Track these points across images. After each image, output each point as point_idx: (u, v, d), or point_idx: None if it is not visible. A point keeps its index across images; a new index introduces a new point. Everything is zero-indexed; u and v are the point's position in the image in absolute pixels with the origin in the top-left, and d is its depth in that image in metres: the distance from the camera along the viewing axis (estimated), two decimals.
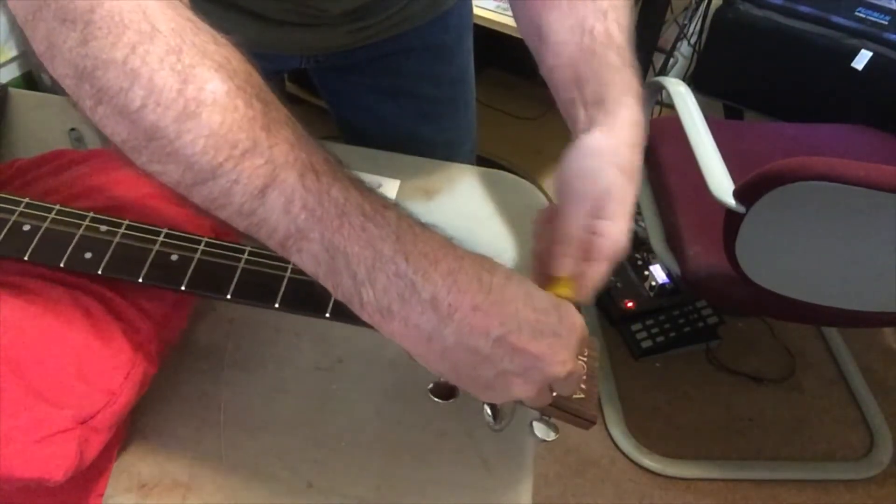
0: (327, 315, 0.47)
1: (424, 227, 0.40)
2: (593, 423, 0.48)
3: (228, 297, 0.48)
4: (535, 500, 0.54)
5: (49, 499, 0.47)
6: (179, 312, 0.55)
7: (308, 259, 0.38)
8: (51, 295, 0.49)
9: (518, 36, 0.62)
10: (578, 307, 0.47)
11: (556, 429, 0.48)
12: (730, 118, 1.79)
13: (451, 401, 0.46)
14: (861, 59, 1.47)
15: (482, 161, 0.89)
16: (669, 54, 1.81)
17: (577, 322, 0.42)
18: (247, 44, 0.39)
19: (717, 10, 1.60)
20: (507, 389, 0.40)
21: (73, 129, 0.74)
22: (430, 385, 0.46)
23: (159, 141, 0.36)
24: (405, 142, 0.82)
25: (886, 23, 1.47)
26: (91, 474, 0.49)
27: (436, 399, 0.46)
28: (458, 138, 0.94)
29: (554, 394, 0.45)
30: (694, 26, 1.71)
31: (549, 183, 1.74)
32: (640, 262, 1.64)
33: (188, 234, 0.51)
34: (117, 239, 0.50)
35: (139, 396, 0.50)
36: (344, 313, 0.42)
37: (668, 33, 1.79)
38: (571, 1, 0.55)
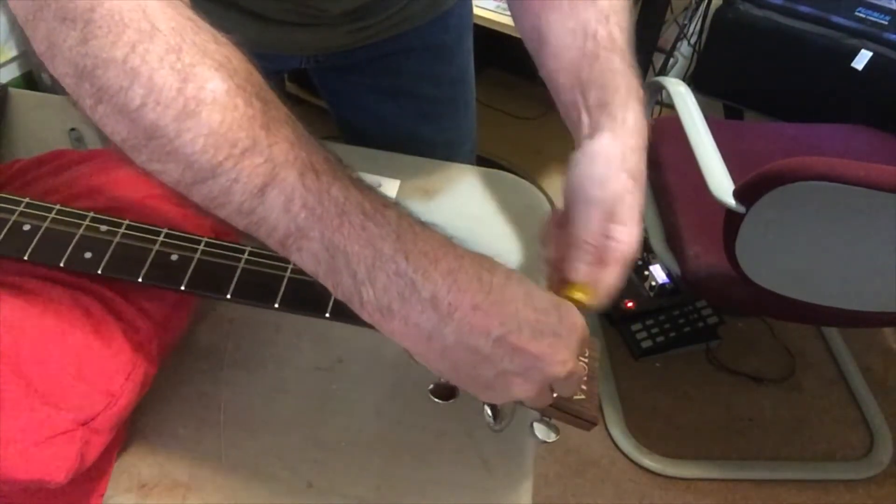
0: (327, 315, 0.47)
1: (424, 226, 0.40)
2: (594, 424, 0.48)
3: (228, 297, 0.48)
4: (535, 500, 0.54)
5: (50, 500, 0.47)
6: (180, 313, 0.55)
7: (308, 258, 0.38)
8: (51, 295, 0.49)
9: (518, 36, 0.62)
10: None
11: (556, 430, 0.48)
12: (730, 118, 1.79)
13: (451, 401, 0.46)
14: (861, 59, 1.47)
15: (482, 161, 0.89)
16: (669, 54, 1.81)
17: (577, 322, 0.42)
18: (247, 44, 0.39)
19: (717, 10, 1.60)
20: (507, 389, 0.40)
21: (73, 129, 0.74)
22: (431, 386, 0.46)
23: (159, 140, 0.36)
24: (405, 142, 0.82)
25: (886, 23, 1.47)
26: (92, 475, 0.49)
27: (436, 400, 0.46)
28: (458, 138, 0.94)
29: (554, 395, 0.44)
30: (694, 26, 1.71)
31: (549, 183, 1.74)
32: (640, 262, 1.64)
33: (188, 233, 0.51)
34: (117, 239, 0.50)
35: (140, 397, 0.50)
36: (344, 313, 0.42)
37: (668, 33, 1.79)
38: (572, 4, 0.55)
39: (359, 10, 0.74)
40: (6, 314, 0.47)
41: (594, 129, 0.53)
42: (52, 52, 0.37)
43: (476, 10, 1.14)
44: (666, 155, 1.35)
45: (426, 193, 0.75)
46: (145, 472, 0.52)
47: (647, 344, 1.59)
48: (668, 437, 1.50)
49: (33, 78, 1.65)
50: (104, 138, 0.38)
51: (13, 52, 1.60)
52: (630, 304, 1.60)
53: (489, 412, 0.48)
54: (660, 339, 1.60)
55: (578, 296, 0.48)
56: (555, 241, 0.52)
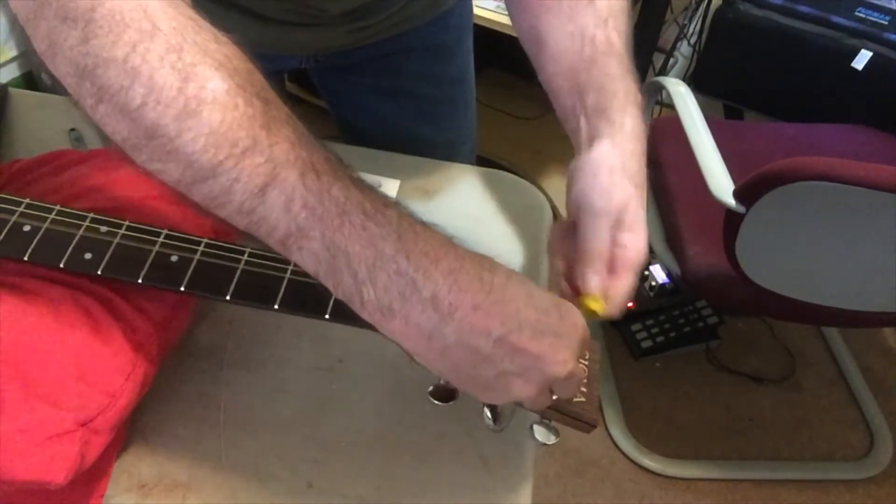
0: (327, 316, 0.47)
1: (425, 225, 0.40)
2: (594, 426, 0.48)
3: (228, 298, 0.48)
4: (535, 500, 0.54)
5: (50, 500, 0.47)
6: (180, 314, 0.55)
7: (308, 258, 0.38)
8: (51, 295, 0.49)
9: None
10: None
11: (556, 432, 0.48)
12: (730, 118, 1.79)
13: (450, 403, 0.46)
14: (861, 59, 1.47)
15: (482, 161, 0.89)
16: (669, 54, 1.81)
17: (578, 322, 0.42)
18: (247, 44, 0.39)
19: (717, 10, 1.60)
20: (508, 389, 0.40)
21: (73, 129, 0.74)
22: (430, 388, 0.46)
23: (159, 139, 0.36)
24: (405, 142, 0.82)
25: (886, 23, 1.47)
26: (92, 475, 0.49)
27: (435, 402, 0.46)
28: (458, 138, 0.94)
29: (554, 397, 0.44)
30: (694, 26, 1.71)
31: (549, 183, 1.74)
32: None
33: (188, 235, 0.51)
34: (117, 240, 0.50)
35: (140, 397, 0.50)
36: (343, 315, 0.42)
37: (668, 33, 1.79)
38: (571, 7, 0.55)
39: (359, 9, 0.74)
40: (6, 314, 0.47)
41: (593, 135, 0.53)
42: (52, 51, 0.37)
43: (476, 10, 1.14)
44: (666, 155, 1.35)
45: (426, 193, 0.75)
46: (145, 472, 0.52)
47: (647, 344, 1.59)
48: (668, 437, 1.50)
49: (33, 78, 1.65)
50: (104, 138, 0.38)
51: (13, 52, 1.59)
52: (630, 304, 1.59)
53: (489, 414, 0.48)
54: (660, 339, 1.60)
55: (592, 305, 0.48)
56: (562, 252, 0.52)
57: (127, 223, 0.51)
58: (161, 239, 0.50)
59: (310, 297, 0.47)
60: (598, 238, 0.49)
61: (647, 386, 1.58)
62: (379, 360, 0.59)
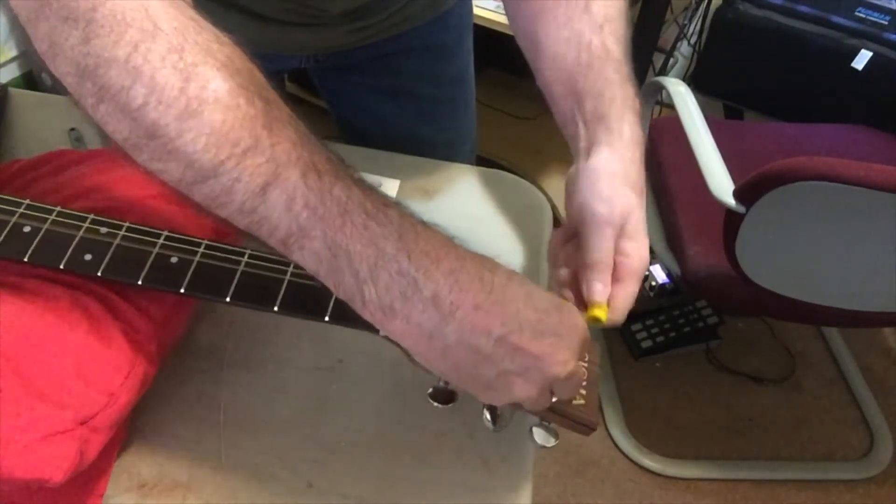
0: (326, 319, 0.47)
1: (426, 225, 0.40)
2: (593, 429, 0.48)
3: (228, 300, 0.48)
4: (535, 500, 0.54)
5: (49, 499, 0.47)
6: (180, 313, 0.55)
7: (309, 257, 0.38)
8: (50, 295, 0.49)
9: None
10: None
11: (555, 434, 0.48)
12: (730, 118, 1.79)
13: (449, 406, 0.46)
14: (861, 59, 1.47)
15: (482, 161, 0.89)
16: (669, 54, 1.81)
17: (578, 323, 0.42)
18: (247, 44, 0.39)
19: (717, 10, 1.60)
20: (508, 389, 0.40)
21: (73, 129, 0.74)
22: (430, 389, 0.46)
23: (160, 139, 0.36)
24: (405, 142, 0.82)
25: (886, 23, 1.47)
26: (91, 474, 0.49)
27: (435, 404, 0.46)
28: (458, 138, 0.94)
29: (554, 399, 0.44)
30: (694, 26, 1.71)
31: (549, 183, 1.74)
32: None
33: (188, 236, 0.51)
34: (117, 241, 0.50)
35: (139, 397, 0.50)
36: (343, 317, 0.42)
37: (668, 33, 1.79)
38: (567, 13, 0.55)
39: (359, 9, 0.74)
40: (6, 313, 0.47)
41: (591, 142, 0.53)
42: (53, 51, 0.37)
43: (476, 10, 1.14)
44: (666, 155, 1.35)
45: (426, 193, 0.75)
46: (145, 472, 0.52)
47: (647, 344, 1.59)
48: (668, 437, 1.50)
49: (33, 78, 1.65)
50: (104, 138, 0.38)
51: (13, 52, 1.59)
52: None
53: (488, 416, 0.48)
54: (660, 339, 1.60)
55: (597, 313, 0.49)
56: (564, 261, 0.52)
57: (127, 224, 0.51)
58: (161, 240, 0.50)
59: (309, 300, 0.47)
60: (603, 248, 0.50)
61: (647, 386, 1.58)
62: (379, 360, 0.59)
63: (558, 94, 0.56)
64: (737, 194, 0.98)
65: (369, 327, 0.42)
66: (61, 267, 0.48)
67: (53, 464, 0.44)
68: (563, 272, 0.53)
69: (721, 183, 1.04)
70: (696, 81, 1.69)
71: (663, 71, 1.81)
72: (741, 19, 1.56)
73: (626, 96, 0.53)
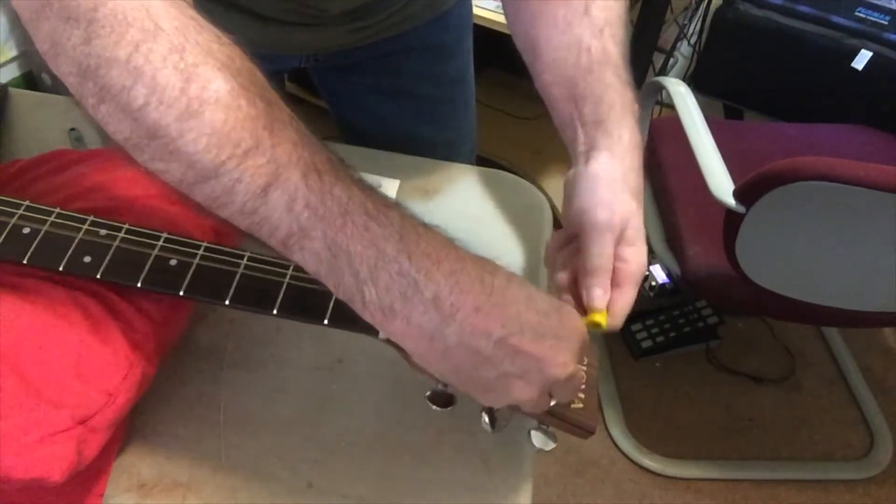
0: (325, 322, 0.47)
1: (427, 227, 0.40)
2: (592, 433, 0.48)
3: (227, 303, 0.48)
4: (535, 500, 0.54)
5: (48, 499, 0.47)
6: (179, 313, 0.55)
7: (310, 257, 0.38)
8: (50, 295, 0.49)
9: None
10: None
11: (554, 438, 0.48)
12: (730, 118, 1.79)
13: (448, 409, 0.46)
14: (861, 59, 1.47)
15: (482, 161, 0.89)
16: (669, 54, 1.81)
17: (578, 326, 0.42)
18: (247, 44, 0.39)
19: (717, 10, 1.60)
20: (508, 391, 0.40)
21: (73, 129, 0.74)
22: (428, 392, 0.46)
23: (162, 139, 0.36)
24: (405, 142, 0.82)
25: (886, 23, 1.47)
26: (90, 474, 0.49)
27: (433, 407, 0.46)
28: (458, 138, 0.94)
29: (553, 402, 0.44)
30: (694, 26, 1.71)
31: (549, 183, 1.74)
32: None
33: (188, 238, 0.51)
34: (116, 243, 0.50)
35: (139, 396, 0.50)
36: (342, 320, 0.42)
37: (668, 33, 1.79)
38: (566, 16, 0.55)
39: (359, 9, 0.74)
40: (5, 313, 0.47)
41: (591, 147, 0.53)
42: (55, 51, 0.37)
43: (476, 10, 1.14)
44: (666, 155, 1.35)
45: (426, 193, 0.75)
46: (145, 472, 0.52)
47: (647, 344, 1.59)
48: (668, 437, 1.50)
49: (33, 78, 1.65)
50: (105, 138, 0.38)
51: (13, 52, 1.59)
52: None
53: (486, 419, 0.48)
54: (660, 339, 1.60)
55: (597, 319, 0.49)
56: (562, 265, 0.52)
57: (126, 226, 0.51)
58: (160, 242, 0.50)
59: (309, 303, 0.47)
60: (603, 254, 0.50)
61: (647, 386, 1.58)
62: (379, 360, 0.59)
63: (557, 97, 0.56)
64: (737, 194, 0.98)
65: (369, 330, 0.41)
66: (60, 269, 0.48)
67: (52, 463, 0.44)
68: (562, 276, 0.53)
69: (721, 183, 1.04)
70: (696, 81, 1.69)
71: (663, 71, 1.81)
72: (741, 19, 1.56)
73: (625, 101, 0.53)
